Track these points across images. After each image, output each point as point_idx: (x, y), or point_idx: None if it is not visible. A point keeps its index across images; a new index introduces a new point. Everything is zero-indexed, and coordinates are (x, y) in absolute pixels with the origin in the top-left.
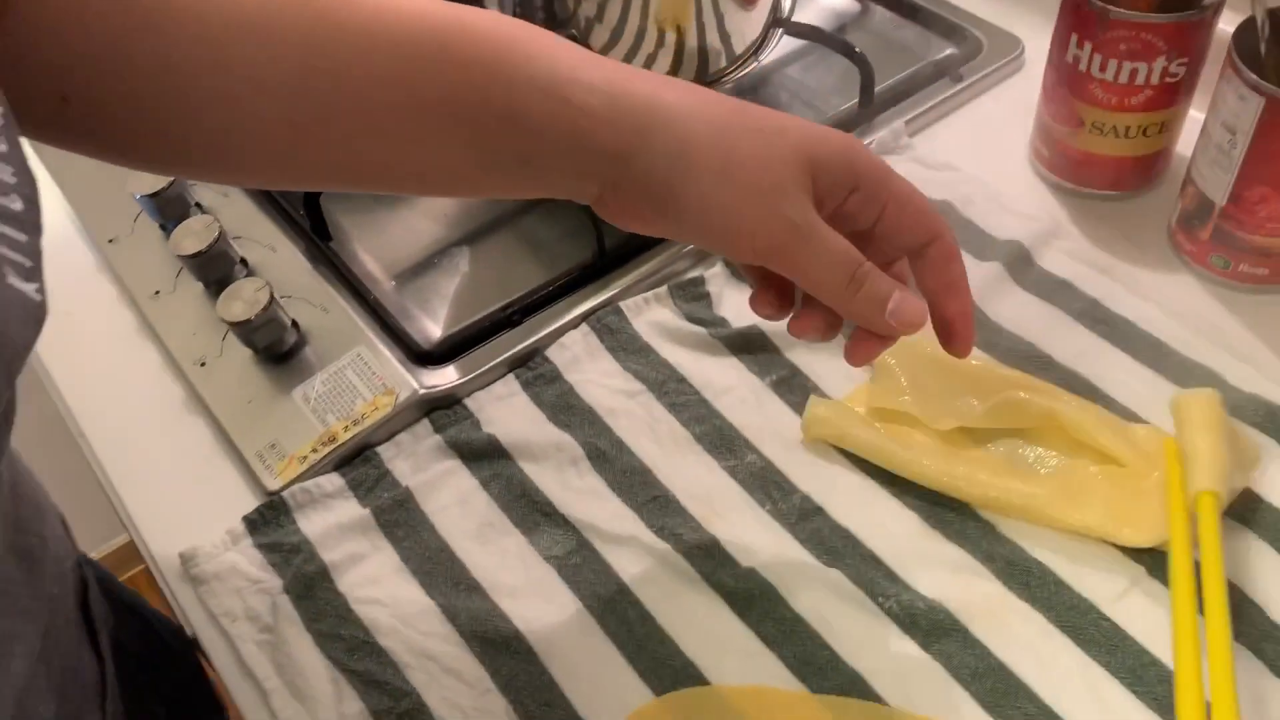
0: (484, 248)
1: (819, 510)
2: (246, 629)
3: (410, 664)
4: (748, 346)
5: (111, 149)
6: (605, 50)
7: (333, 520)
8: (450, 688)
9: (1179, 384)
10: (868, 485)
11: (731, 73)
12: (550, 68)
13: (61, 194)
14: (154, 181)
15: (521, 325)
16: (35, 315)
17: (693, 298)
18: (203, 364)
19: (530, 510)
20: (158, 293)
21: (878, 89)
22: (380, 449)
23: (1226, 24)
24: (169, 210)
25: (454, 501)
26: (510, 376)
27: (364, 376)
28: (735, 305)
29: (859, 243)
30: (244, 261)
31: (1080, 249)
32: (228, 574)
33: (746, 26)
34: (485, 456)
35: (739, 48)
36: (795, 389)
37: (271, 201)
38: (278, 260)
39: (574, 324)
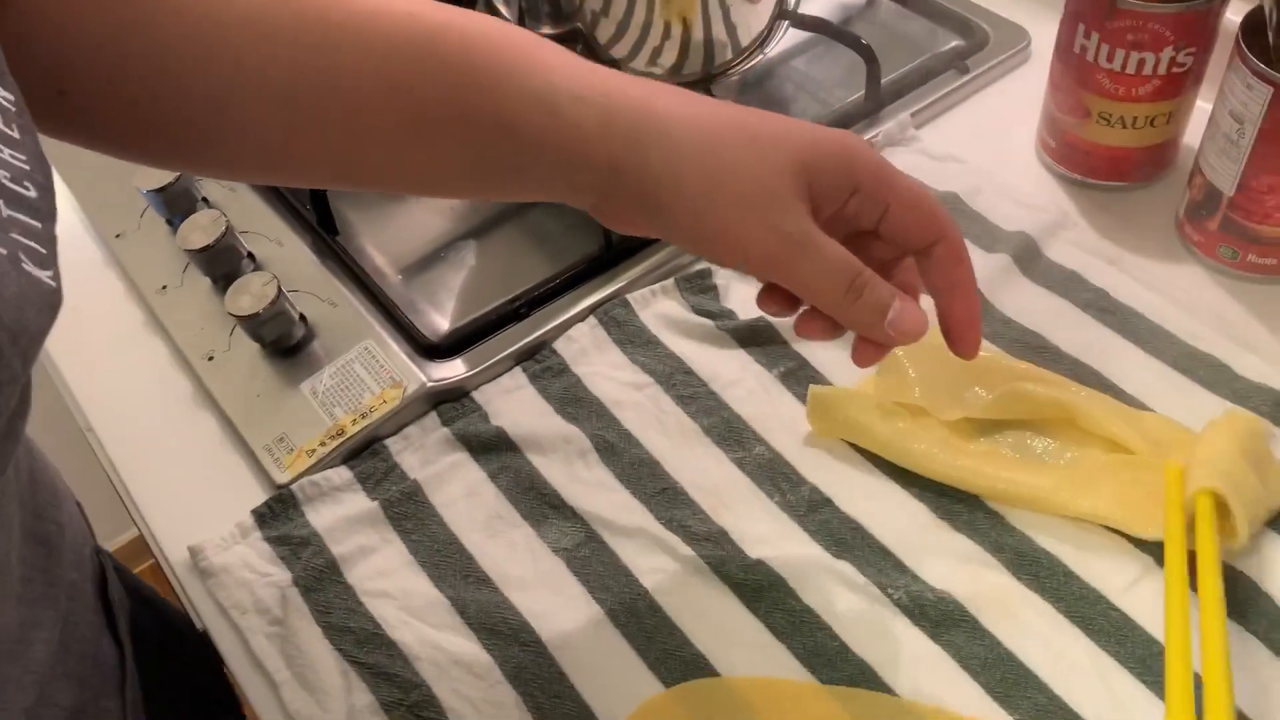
0: (491, 241)
1: (828, 501)
2: (256, 622)
3: (420, 656)
4: (755, 338)
5: (108, 142)
6: (611, 44)
7: (341, 513)
8: (460, 679)
9: (1186, 374)
10: (876, 476)
11: (737, 65)
12: (541, 78)
13: (68, 189)
14: (160, 176)
15: (529, 318)
16: (50, 302)
17: (700, 290)
18: (210, 358)
19: (539, 502)
20: (165, 287)
21: (884, 81)
22: (388, 442)
23: (1234, 13)
24: (176, 205)
25: (462, 494)
26: (518, 369)
27: (372, 370)
28: (742, 297)
29: (864, 241)
30: (251, 256)
31: (1087, 240)
32: (237, 567)
33: (752, 19)
34: (493, 449)
35: (745, 40)
36: (803, 381)
37: (278, 196)
38: (285, 254)
39: (581, 316)
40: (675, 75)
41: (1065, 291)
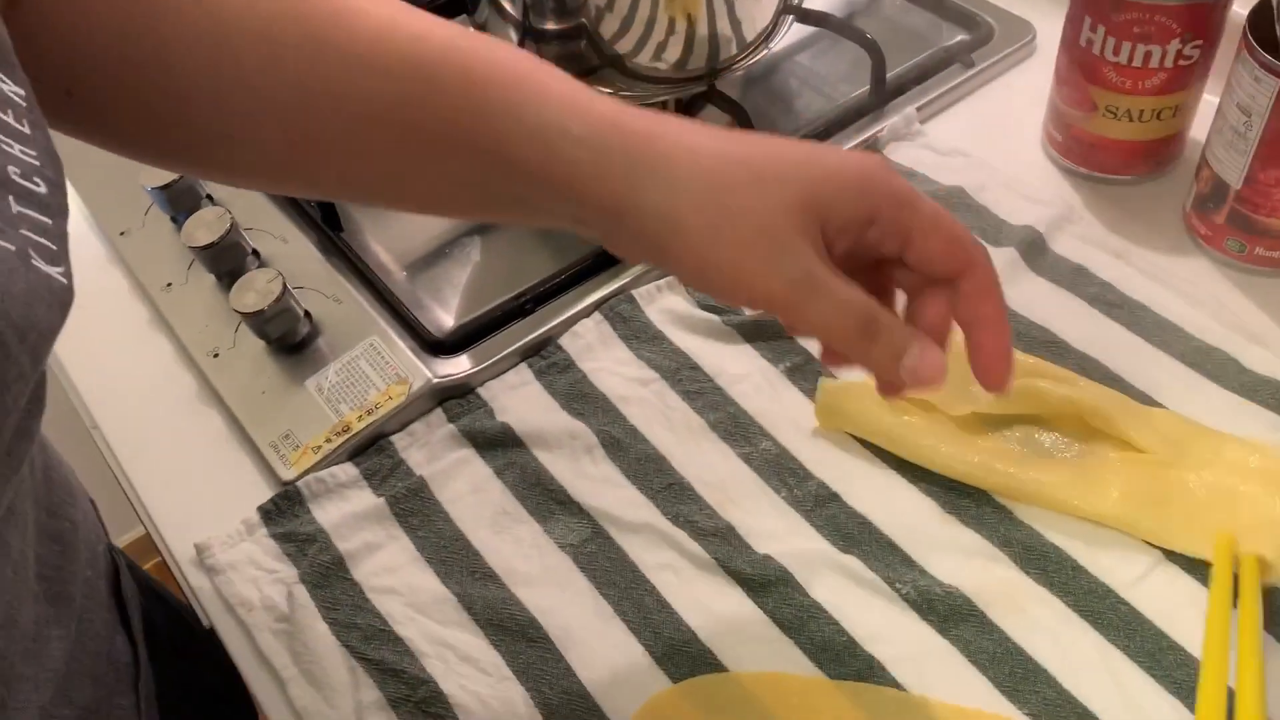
0: (496, 237)
1: (835, 497)
2: (263, 618)
3: (427, 652)
4: (761, 333)
5: (115, 142)
6: (615, 39)
7: (348, 510)
8: (467, 675)
9: (1194, 367)
10: (884, 471)
11: (742, 60)
12: (538, 114)
13: (73, 186)
14: (165, 174)
15: (534, 314)
16: (61, 299)
17: None
18: (216, 355)
19: (545, 499)
20: (170, 285)
21: (889, 75)
22: (394, 438)
23: (1241, 6)
24: (180, 202)
25: (468, 490)
26: (523, 365)
27: (377, 366)
28: None
29: (889, 269)
30: (256, 253)
31: (1094, 234)
32: (243, 564)
33: (757, 13)
34: (499, 445)
35: (750, 35)
36: (809, 375)
37: None
38: (290, 251)
39: (586, 312)
40: (680, 70)
41: (1072, 285)
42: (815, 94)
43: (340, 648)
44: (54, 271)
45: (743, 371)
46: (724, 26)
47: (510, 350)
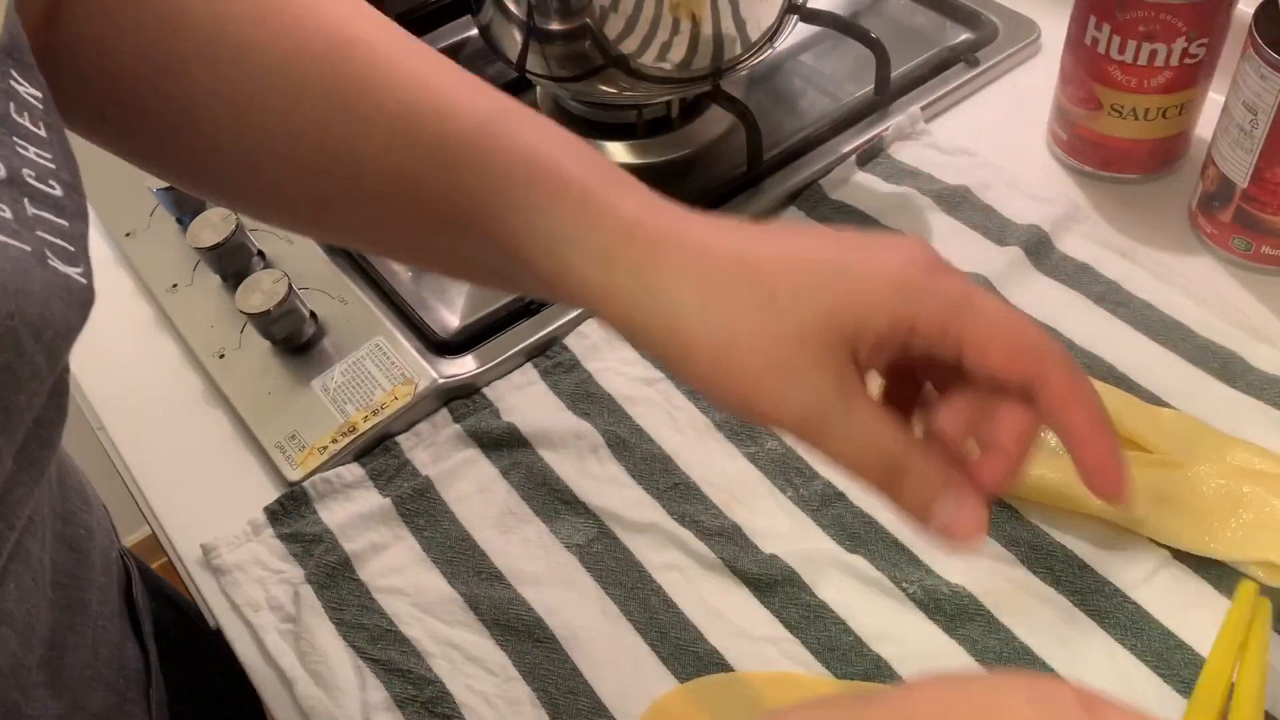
0: None
1: (841, 496)
2: (269, 619)
3: (433, 653)
4: None
5: (149, 166)
6: (620, 39)
7: (354, 510)
8: (474, 676)
9: (1200, 366)
10: None
11: (746, 60)
12: (552, 222)
13: None
14: None
15: (539, 314)
16: (80, 299)
17: None
18: (221, 356)
19: (551, 499)
20: (175, 286)
21: (894, 75)
22: (400, 439)
23: (1246, 3)
24: (186, 203)
25: (474, 490)
26: (529, 365)
27: (383, 367)
28: None
29: (949, 375)
30: (261, 253)
31: (1099, 233)
32: (250, 564)
33: (761, 13)
34: (505, 445)
35: (754, 35)
36: None
37: None
38: (295, 252)
39: (592, 312)
40: (684, 70)
41: (1077, 284)
42: (820, 93)
43: (347, 648)
44: (72, 272)
45: None
46: (728, 26)
47: (516, 350)
